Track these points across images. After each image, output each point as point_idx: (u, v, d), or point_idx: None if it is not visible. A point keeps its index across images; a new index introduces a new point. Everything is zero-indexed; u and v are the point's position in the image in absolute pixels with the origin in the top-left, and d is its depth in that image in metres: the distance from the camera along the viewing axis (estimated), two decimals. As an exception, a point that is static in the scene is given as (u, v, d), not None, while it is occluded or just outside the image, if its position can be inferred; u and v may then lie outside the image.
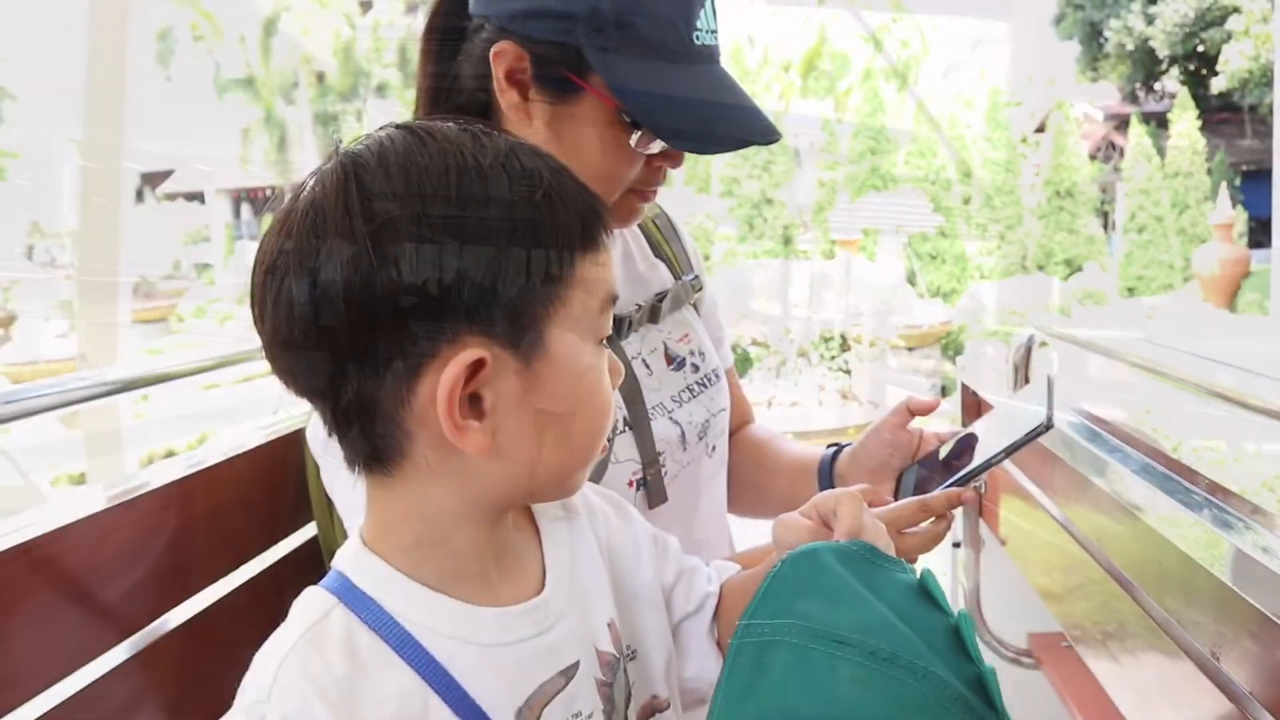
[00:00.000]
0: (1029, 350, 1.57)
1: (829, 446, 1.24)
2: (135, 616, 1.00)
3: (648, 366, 1.17)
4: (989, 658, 1.99)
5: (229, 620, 1.10)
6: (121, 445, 2.14)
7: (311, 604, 0.69)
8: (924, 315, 10.20)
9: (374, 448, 0.67)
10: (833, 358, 7.82)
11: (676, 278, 1.26)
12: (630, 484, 1.12)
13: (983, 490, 1.92)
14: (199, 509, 1.11)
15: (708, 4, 1.01)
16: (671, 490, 1.16)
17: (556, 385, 0.67)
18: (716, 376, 1.25)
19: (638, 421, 1.13)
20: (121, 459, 2.15)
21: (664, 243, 1.28)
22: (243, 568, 1.16)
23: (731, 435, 1.31)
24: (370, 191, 0.63)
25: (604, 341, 0.72)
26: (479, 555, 0.71)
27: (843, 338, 7.88)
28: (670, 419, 1.17)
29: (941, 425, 1.15)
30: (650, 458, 1.13)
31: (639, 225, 1.25)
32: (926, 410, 1.12)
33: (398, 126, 0.68)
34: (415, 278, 0.61)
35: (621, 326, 1.14)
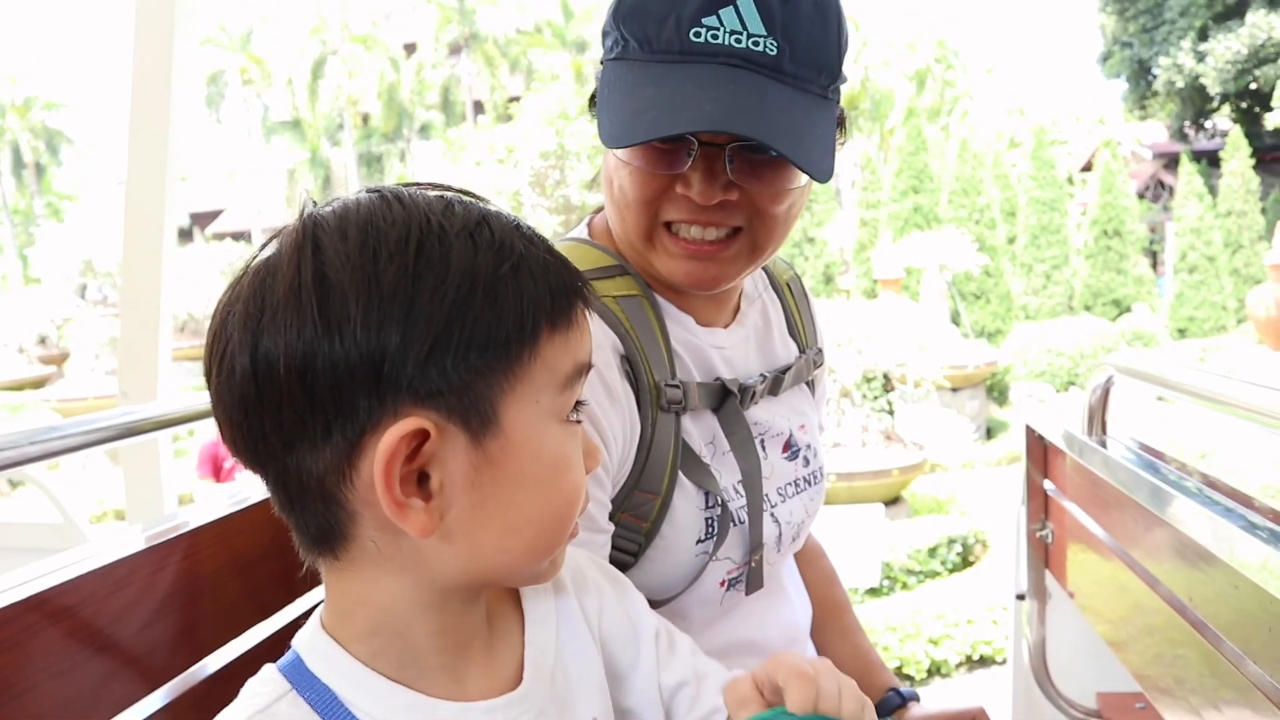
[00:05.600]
0: (1107, 393, 1.46)
1: (890, 691, 1.21)
2: (173, 662, 0.96)
3: (764, 450, 1.11)
4: (1055, 718, 1.90)
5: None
6: (160, 483, 2.12)
7: (261, 687, 0.65)
8: (968, 355, 10.05)
9: (320, 530, 0.63)
10: (876, 398, 7.70)
11: (802, 350, 1.21)
12: (723, 583, 1.06)
13: (1049, 540, 1.83)
14: (234, 551, 1.06)
15: (738, 6, 0.89)
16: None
17: (513, 466, 0.63)
18: (822, 475, 1.20)
19: (754, 514, 1.07)
20: (160, 498, 2.13)
21: (796, 312, 1.22)
22: (282, 611, 1.11)
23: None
24: (325, 255, 0.59)
25: (575, 418, 0.67)
26: (442, 645, 0.67)
27: (886, 378, 7.77)
28: (772, 515, 1.11)
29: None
30: (757, 545, 1.08)
31: (779, 295, 1.21)
32: None
33: (369, 190, 0.64)
34: (359, 346, 0.57)
35: (745, 397, 1.08)
